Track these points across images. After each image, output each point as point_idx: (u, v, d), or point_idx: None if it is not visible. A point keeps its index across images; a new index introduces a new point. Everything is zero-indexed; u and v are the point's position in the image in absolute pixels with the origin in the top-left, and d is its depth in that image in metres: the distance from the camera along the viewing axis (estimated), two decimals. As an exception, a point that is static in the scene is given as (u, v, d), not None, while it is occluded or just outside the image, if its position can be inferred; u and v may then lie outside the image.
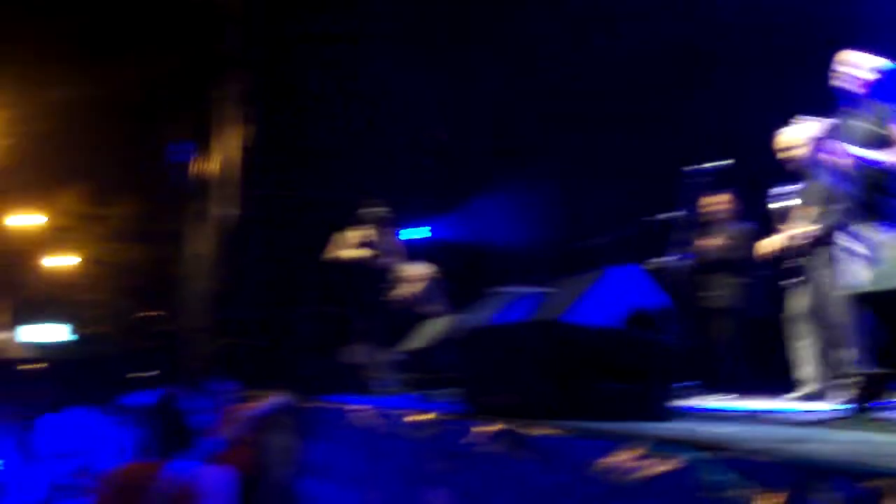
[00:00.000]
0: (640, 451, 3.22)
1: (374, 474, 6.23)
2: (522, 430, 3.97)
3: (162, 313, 24.61)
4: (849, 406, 4.98)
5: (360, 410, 6.68)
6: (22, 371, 23.31)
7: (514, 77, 12.94)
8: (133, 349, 25.13)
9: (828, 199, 6.30)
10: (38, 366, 24.36)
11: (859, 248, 5.86)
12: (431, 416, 5.15)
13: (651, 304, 4.86)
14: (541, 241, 12.43)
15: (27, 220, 28.11)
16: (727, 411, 5.83)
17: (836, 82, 6.24)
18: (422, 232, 13.57)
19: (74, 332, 31.20)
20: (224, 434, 7.44)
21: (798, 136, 6.77)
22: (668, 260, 8.02)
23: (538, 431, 3.87)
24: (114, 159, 23.19)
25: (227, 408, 8.04)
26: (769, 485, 2.66)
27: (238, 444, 7.78)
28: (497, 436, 4.20)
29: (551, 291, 5.30)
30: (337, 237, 9.75)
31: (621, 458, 3.28)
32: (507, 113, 13.46)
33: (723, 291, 8.64)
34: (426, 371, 8.05)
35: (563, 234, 11.58)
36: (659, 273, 7.64)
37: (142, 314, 27.43)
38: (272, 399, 8.07)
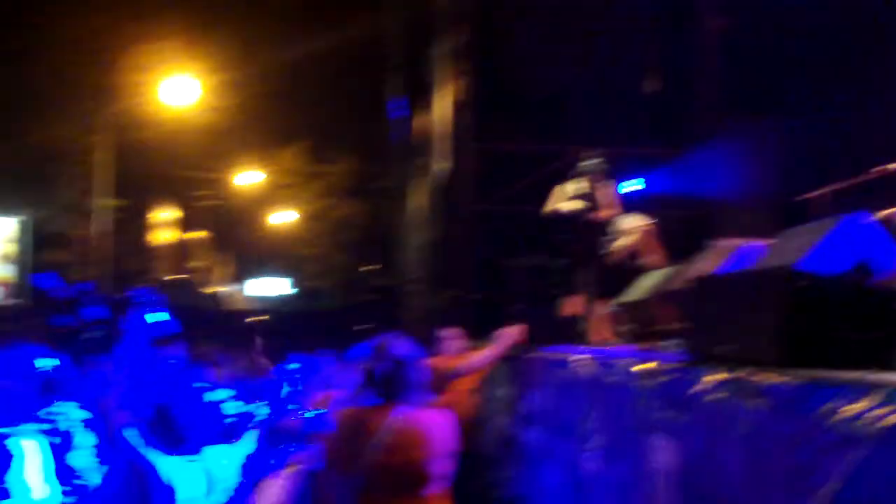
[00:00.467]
0: (878, 400, 3.16)
1: (595, 423, 6.28)
2: (754, 379, 3.94)
3: (380, 266, 25.26)
4: None
5: (581, 360, 6.72)
6: (248, 323, 24.30)
7: (733, 25, 12.65)
8: (352, 302, 25.87)
9: None
10: (263, 318, 25.37)
11: None
12: (656, 365, 5.16)
13: (884, 254, 4.75)
14: (760, 193, 12.17)
15: (251, 177, 29.18)
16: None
17: None
18: (639, 183, 13.44)
19: (296, 285, 32.32)
20: (445, 382, 7.61)
21: None
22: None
23: (770, 380, 3.83)
24: (333, 117, 23.82)
25: (448, 357, 8.22)
26: None
27: (459, 392, 7.96)
28: (726, 384, 4.18)
29: (780, 240, 5.21)
30: (555, 190, 9.76)
31: (858, 407, 3.22)
32: (727, 62, 13.17)
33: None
34: (644, 323, 8.01)
35: (783, 185, 11.30)
36: (887, 224, 7.39)
37: (360, 268, 28.20)
38: (492, 348, 8.20)
